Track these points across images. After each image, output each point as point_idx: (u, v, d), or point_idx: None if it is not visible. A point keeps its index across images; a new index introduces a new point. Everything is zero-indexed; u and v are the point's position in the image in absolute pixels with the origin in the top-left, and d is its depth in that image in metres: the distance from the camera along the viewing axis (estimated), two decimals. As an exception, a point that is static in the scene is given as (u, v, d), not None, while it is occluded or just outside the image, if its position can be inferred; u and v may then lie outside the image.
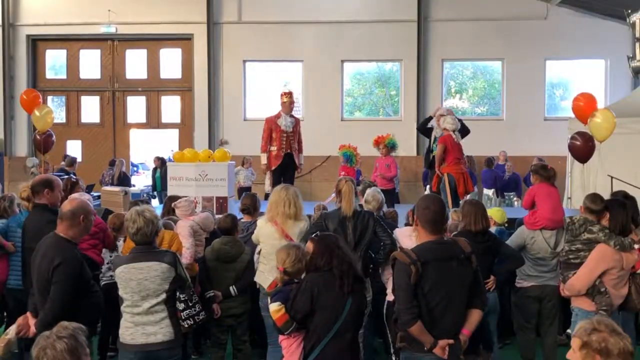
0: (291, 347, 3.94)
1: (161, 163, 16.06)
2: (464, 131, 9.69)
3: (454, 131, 9.36)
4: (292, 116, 10.28)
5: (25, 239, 5.29)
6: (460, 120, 9.79)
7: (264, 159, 10.14)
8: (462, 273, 3.79)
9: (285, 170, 10.24)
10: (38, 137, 10.86)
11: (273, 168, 10.11)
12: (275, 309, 3.96)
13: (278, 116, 10.14)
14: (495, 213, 6.90)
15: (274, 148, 10.08)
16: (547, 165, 6.43)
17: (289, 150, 10.16)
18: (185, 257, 5.67)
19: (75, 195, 6.27)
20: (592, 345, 2.53)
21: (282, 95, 10.30)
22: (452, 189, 9.02)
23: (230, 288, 5.67)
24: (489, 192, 14.34)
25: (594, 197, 5.23)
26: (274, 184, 9.89)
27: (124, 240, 5.93)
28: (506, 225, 7.15)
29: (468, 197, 8.66)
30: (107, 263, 6.13)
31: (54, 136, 11.08)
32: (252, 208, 6.59)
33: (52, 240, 4.23)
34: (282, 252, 4.32)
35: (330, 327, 3.79)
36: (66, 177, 8.13)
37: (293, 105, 10.34)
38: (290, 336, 3.96)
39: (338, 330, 3.80)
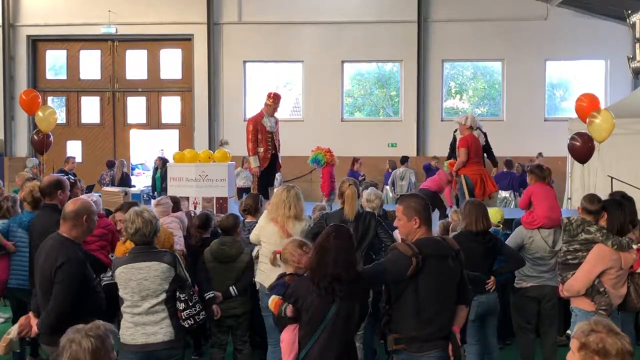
0: (289, 341, 3.90)
1: (162, 163, 16.06)
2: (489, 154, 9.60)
3: (476, 129, 9.22)
4: (274, 116, 9.99)
5: (33, 239, 5.27)
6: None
7: (255, 162, 9.75)
8: (455, 270, 3.85)
9: (271, 171, 10.05)
10: (35, 137, 10.88)
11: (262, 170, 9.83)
12: (273, 298, 3.99)
13: (261, 116, 9.81)
14: (490, 212, 6.87)
15: (261, 149, 9.76)
16: (542, 165, 6.46)
17: (274, 151, 9.92)
18: (180, 244, 5.91)
19: (83, 195, 6.28)
20: (590, 346, 2.54)
21: (268, 96, 9.90)
22: (469, 190, 8.76)
23: (230, 288, 5.67)
24: (505, 193, 14.30)
25: (591, 198, 5.24)
26: (260, 186, 9.81)
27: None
28: (501, 225, 7.13)
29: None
30: (108, 263, 6.15)
31: (52, 137, 11.08)
32: (254, 208, 6.61)
33: (55, 240, 4.23)
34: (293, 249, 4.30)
35: (313, 331, 3.70)
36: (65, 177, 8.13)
37: (277, 110, 9.95)
38: (290, 330, 3.92)
39: (321, 335, 3.69)
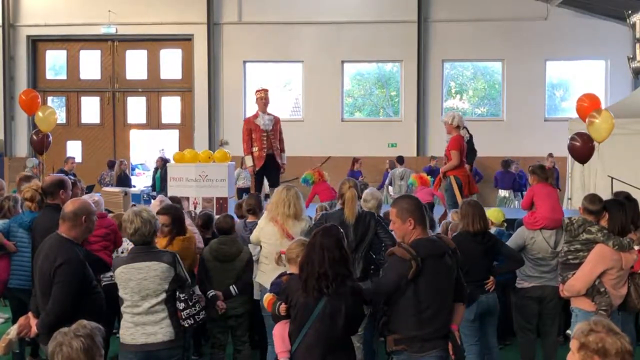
0: (280, 335, 3.94)
1: (163, 163, 16.06)
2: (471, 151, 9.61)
3: (462, 128, 9.22)
4: (270, 114, 9.93)
5: (36, 239, 5.26)
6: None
7: (249, 161, 9.80)
8: (452, 267, 3.88)
9: (269, 171, 9.94)
10: (35, 137, 10.89)
11: (257, 169, 9.81)
12: (267, 296, 4.16)
13: (256, 116, 9.84)
14: (492, 214, 6.88)
15: (255, 149, 9.76)
16: (544, 165, 6.45)
17: (270, 151, 9.81)
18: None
19: (85, 195, 6.28)
20: (590, 346, 2.53)
21: (255, 92, 10.02)
22: (461, 190, 8.76)
23: (231, 288, 5.66)
24: (505, 192, 14.31)
25: (592, 198, 5.23)
26: (257, 186, 9.80)
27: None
28: (505, 226, 7.14)
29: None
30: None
31: (51, 137, 11.08)
32: (257, 208, 6.61)
33: (54, 240, 4.23)
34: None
35: (301, 328, 3.75)
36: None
37: (267, 103, 9.89)
38: (281, 325, 3.97)
39: (308, 332, 3.73)
